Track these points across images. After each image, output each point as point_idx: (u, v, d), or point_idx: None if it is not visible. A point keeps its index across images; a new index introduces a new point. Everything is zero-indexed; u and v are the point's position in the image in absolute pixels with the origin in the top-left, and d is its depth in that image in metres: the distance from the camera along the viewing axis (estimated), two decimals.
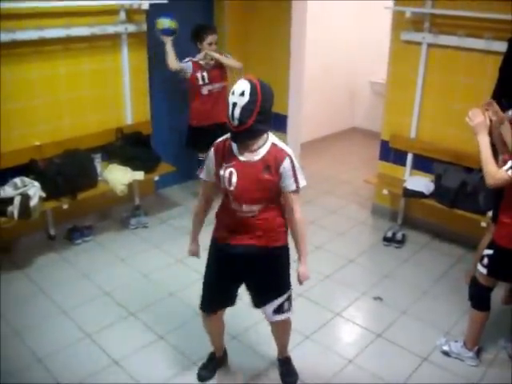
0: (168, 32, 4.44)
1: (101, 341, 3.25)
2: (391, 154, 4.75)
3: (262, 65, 5.42)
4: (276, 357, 3.05)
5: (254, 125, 2.28)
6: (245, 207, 2.47)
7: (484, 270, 2.91)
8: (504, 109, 2.94)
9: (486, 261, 2.90)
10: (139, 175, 4.51)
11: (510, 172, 2.61)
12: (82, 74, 4.35)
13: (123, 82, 4.62)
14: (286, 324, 2.85)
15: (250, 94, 2.25)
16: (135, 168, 4.50)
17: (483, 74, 3.94)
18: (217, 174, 2.50)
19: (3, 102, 3.87)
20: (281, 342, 2.96)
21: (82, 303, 3.61)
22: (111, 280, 3.89)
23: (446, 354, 3.18)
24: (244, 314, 3.33)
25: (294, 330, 2.97)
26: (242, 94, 2.26)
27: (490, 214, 3.64)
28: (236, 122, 2.28)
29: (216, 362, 3.04)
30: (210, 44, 4.47)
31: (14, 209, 3.71)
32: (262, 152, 2.43)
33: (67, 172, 4.06)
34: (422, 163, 4.53)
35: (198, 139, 4.64)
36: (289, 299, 2.71)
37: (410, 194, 4.41)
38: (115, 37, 4.44)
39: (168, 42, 4.44)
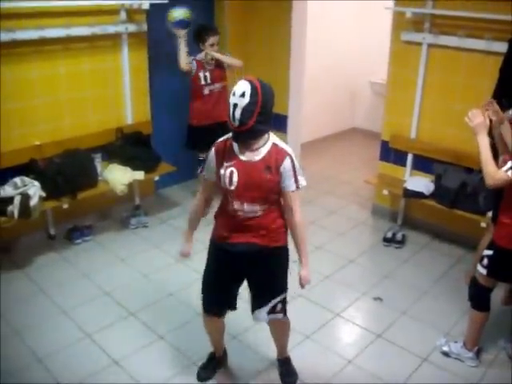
0: (182, 24, 4.24)
1: (101, 341, 3.25)
2: (391, 154, 4.75)
3: (262, 65, 5.42)
4: (276, 357, 3.05)
5: (254, 125, 2.29)
6: (246, 206, 2.47)
7: (484, 271, 2.91)
8: (504, 109, 2.94)
9: (485, 261, 2.90)
10: (139, 175, 4.51)
11: (509, 173, 2.61)
12: (82, 74, 4.35)
13: (123, 82, 4.62)
14: (284, 325, 2.85)
15: (251, 95, 2.25)
16: (135, 168, 4.50)
17: (483, 75, 3.94)
18: (217, 174, 2.50)
19: (3, 102, 3.87)
20: (279, 342, 2.96)
21: (82, 303, 3.61)
22: (111, 280, 3.89)
23: (445, 354, 3.18)
24: (244, 313, 3.32)
25: (293, 330, 2.98)
26: (243, 95, 2.26)
27: (489, 214, 3.63)
28: (237, 123, 2.29)
29: (216, 362, 3.04)
30: (212, 45, 4.47)
31: (14, 208, 3.72)
32: (263, 152, 2.43)
33: (67, 172, 4.06)
34: (422, 163, 4.53)
35: (198, 139, 4.64)
36: (283, 302, 2.71)
37: (410, 195, 4.41)
38: (115, 36, 4.44)
39: (182, 37, 4.33)
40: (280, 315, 2.73)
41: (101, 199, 4.51)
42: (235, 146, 2.45)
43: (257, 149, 2.43)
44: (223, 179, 2.46)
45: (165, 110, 5.11)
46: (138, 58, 4.70)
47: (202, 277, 2.75)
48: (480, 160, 2.75)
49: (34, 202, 3.78)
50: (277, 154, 2.43)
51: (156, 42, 4.76)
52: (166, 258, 4.20)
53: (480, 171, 3.94)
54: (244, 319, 3.33)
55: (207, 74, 4.52)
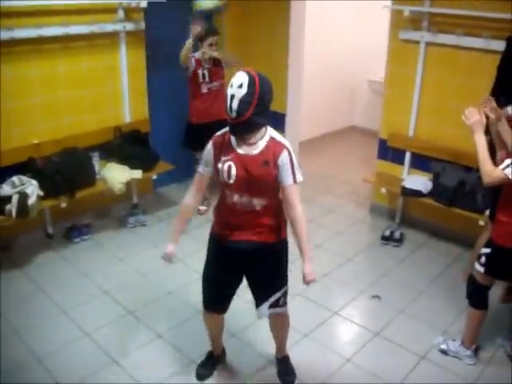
0: (207, 14, 4.18)
1: (99, 340, 3.25)
2: (389, 152, 4.75)
3: (260, 64, 5.40)
4: (274, 355, 3.06)
5: (251, 117, 2.26)
6: (245, 200, 2.46)
7: (481, 269, 2.92)
8: (502, 106, 2.95)
9: (483, 259, 2.90)
10: (137, 174, 4.51)
11: (506, 171, 2.62)
12: (81, 73, 4.35)
13: (121, 81, 4.62)
14: (284, 319, 2.86)
15: (249, 86, 2.23)
16: (133, 166, 4.50)
17: (481, 73, 3.94)
18: (215, 168, 2.49)
19: (1, 101, 3.87)
20: (279, 339, 2.97)
21: (81, 302, 3.61)
22: (110, 279, 3.89)
23: (443, 352, 3.19)
24: (243, 312, 3.33)
25: (291, 328, 2.98)
26: (240, 85, 2.24)
27: (487, 212, 3.64)
28: (234, 114, 2.26)
29: (214, 360, 3.04)
30: (211, 45, 4.46)
31: (12, 207, 3.71)
32: (261, 146, 2.42)
33: (65, 170, 4.06)
34: (420, 162, 4.54)
35: (197, 137, 4.63)
36: (285, 295, 2.72)
37: (408, 193, 4.42)
38: (113, 35, 4.44)
39: (196, 30, 4.31)
40: (281, 309, 2.73)
41: (99, 198, 4.51)
42: (233, 140, 2.44)
43: (254, 143, 2.41)
44: (221, 173, 2.45)
45: (163, 108, 5.11)
46: (136, 57, 4.69)
47: (202, 273, 2.75)
48: (477, 158, 2.76)
49: (32, 200, 3.77)
50: (274, 148, 2.41)
51: (154, 40, 4.76)
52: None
53: (478, 170, 3.97)
54: (243, 317, 3.34)
55: (205, 72, 4.52)
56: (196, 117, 4.68)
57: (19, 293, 3.69)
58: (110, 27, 4.34)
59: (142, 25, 4.58)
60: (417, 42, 4.30)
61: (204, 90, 4.57)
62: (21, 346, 3.18)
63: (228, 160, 2.42)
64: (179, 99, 4.89)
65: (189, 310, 3.50)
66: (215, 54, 4.49)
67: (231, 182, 2.43)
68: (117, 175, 4.37)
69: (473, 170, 4.04)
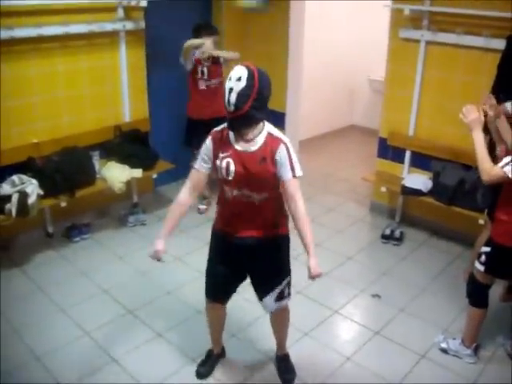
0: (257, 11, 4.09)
1: (99, 339, 3.25)
2: (389, 151, 4.75)
3: (260, 63, 5.32)
4: (274, 354, 3.06)
5: (249, 111, 2.24)
6: (244, 197, 2.46)
7: (481, 268, 2.91)
8: (501, 102, 2.95)
9: (483, 258, 2.90)
10: (137, 173, 4.51)
11: (505, 169, 2.62)
12: (80, 72, 4.34)
13: (121, 80, 4.61)
14: (285, 313, 2.86)
15: (247, 79, 2.22)
16: (133, 165, 4.50)
17: (482, 72, 3.94)
18: (214, 164, 2.48)
19: (1, 100, 3.86)
20: (280, 334, 2.97)
21: (81, 301, 3.61)
22: (109, 278, 3.89)
23: (444, 351, 3.19)
24: (243, 311, 3.33)
25: (292, 326, 2.98)
26: (239, 79, 2.23)
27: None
28: (232, 108, 2.24)
29: (214, 358, 3.04)
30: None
31: (12, 206, 3.71)
32: (259, 142, 2.40)
33: (65, 169, 4.06)
34: (420, 161, 4.54)
35: (196, 133, 4.62)
36: (288, 285, 2.72)
37: (408, 192, 4.42)
38: (113, 34, 4.44)
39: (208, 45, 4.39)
40: (286, 300, 2.74)
41: (99, 197, 4.51)
42: (231, 136, 2.43)
43: (252, 139, 2.40)
44: (220, 170, 2.44)
45: (163, 107, 5.10)
46: (136, 56, 4.69)
47: (206, 265, 2.75)
48: (475, 156, 2.75)
49: (31, 199, 3.77)
50: (272, 143, 2.40)
51: (154, 39, 4.75)
52: (164, 256, 4.18)
53: (477, 168, 3.97)
54: (242, 317, 3.34)
55: (204, 69, 4.52)
56: (194, 112, 4.68)
57: (19, 292, 3.69)
58: (109, 26, 4.34)
59: (142, 24, 4.58)
60: (417, 41, 4.29)
61: (202, 86, 4.57)
62: (20, 344, 3.18)
63: (226, 157, 2.41)
64: (179, 98, 4.88)
65: (188, 309, 3.50)
66: (215, 53, 4.49)
67: (230, 178, 2.43)
68: (117, 174, 4.36)
69: (472, 168, 4.03)
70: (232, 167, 2.40)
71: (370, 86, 7.26)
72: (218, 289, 2.76)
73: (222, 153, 2.42)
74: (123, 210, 4.78)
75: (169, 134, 5.11)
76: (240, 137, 2.40)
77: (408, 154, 4.62)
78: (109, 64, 4.52)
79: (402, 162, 4.67)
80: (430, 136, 4.44)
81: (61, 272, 3.95)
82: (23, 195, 3.74)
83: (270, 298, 2.68)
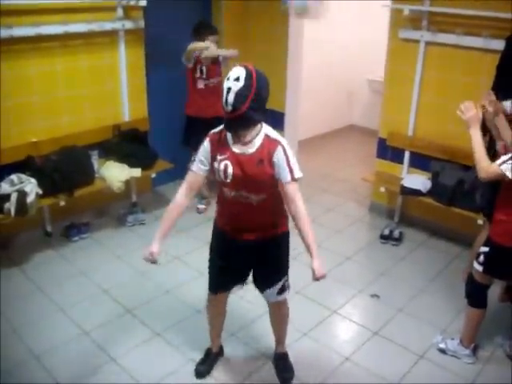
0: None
1: (98, 338, 3.25)
2: (389, 151, 4.75)
3: (259, 63, 5.32)
4: (273, 353, 3.06)
5: (247, 111, 2.23)
6: (242, 198, 2.46)
7: (480, 268, 2.92)
8: (500, 100, 2.96)
9: (481, 258, 2.90)
10: (136, 172, 4.50)
11: (502, 167, 2.62)
12: (80, 71, 4.34)
13: (120, 79, 4.61)
14: (285, 309, 2.88)
15: (246, 79, 2.22)
16: (132, 165, 4.50)
17: (481, 72, 3.94)
18: (212, 166, 2.48)
19: (0, 99, 3.86)
20: (279, 331, 2.98)
21: (80, 300, 3.61)
22: (108, 277, 3.88)
23: (442, 351, 3.19)
24: (242, 311, 3.34)
25: (291, 326, 2.98)
26: (237, 79, 2.22)
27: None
28: (230, 108, 2.23)
29: (213, 357, 3.05)
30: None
31: (11, 205, 3.71)
32: (256, 144, 2.39)
33: (64, 169, 4.05)
34: (420, 161, 4.54)
35: (194, 132, 4.62)
36: (287, 279, 2.75)
37: (407, 192, 4.42)
38: (112, 33, 4.43)
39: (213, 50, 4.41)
40: (287, 292, 2.77)
41: (98, 196, 4.51)
42: (229, 138, 2.42)
43: (250, 141, 2.39)
44: (218, 172, 2.44)
45: (162, 107, 5.10)
46: (135, 55, 4.68)
47: (209, 259, 2.76)
48: (472, 153, 2.75)
49: (30, 199, 3.77)
50: (269, 146, 2.39)
51: (153, 38, 4.75)
52: (163, 256, 4.15)
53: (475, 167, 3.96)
54: (241, 316, 3.35)
55: (203, 68, 4.51)
56: (192, 111, 4.67)
57: (18, 291, 3.68)
58: (108, 25, 4.33)
59: (141, 23, 4.57)
60: (416, 41, 4.29)
61: (200, 85, 4.57)
62: (19, 344, 3.17)
63: (224, 159, 2.41)
64: (178, 98, 4.87)
65: (187, 309, 3.50)
66: (215, 53, 4.48)
67: (228, 181, 2.43)
68: (116, 174, 4.36)
69: (472, 169, 4.03)
70: (230, 170, 2.40)
71: (369, 86, 7.26)
72: (221, 281, 2.77)
73: (220, 155, 2.42)
74: (122, 209, 4.78)
75: (168, 134, 5.10)
76: (237, 139, 2.40)
77: (407, 155, 4.62)
78: (108, 63, 4.51)
79: (401, 162, 4.68)
80: (430, 136, 4.44)
81: (60, 271, 3.94)
82: (22, 194, 3.73)
83: (273, 290, 2.71)
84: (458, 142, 4.15)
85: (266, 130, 2.43)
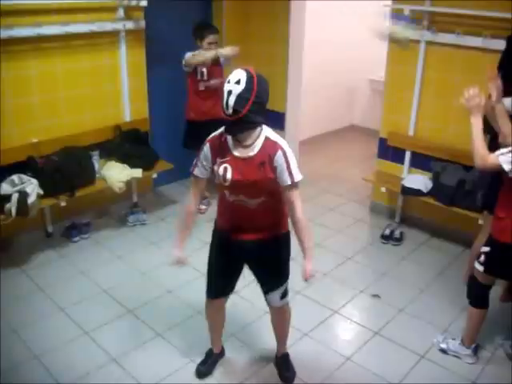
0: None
1: (99, 338, 3.25)
2: (390, 151, 4.75)
3: (260, 62, 5.40)
4: (274, 353, 3.06)
5: (248, 114, 2.23)
6: (242, 201, 2.47)
7: (481, 268, 2.91)
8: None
9: (482, 258, 2.90)
10: (137, 173, 4.51)
11: (500, 158, 2.60)
12: (80, 71, 4.34)
13: (121, 79, 4.61)
14: (287, 313, 2.88)
15: (246, 83, 2.22)
16: (133, 165, 4.50)
17: (481, 72, 3.92)
18: (212, 169, 2.48)
19: (1, 100, 3.86)
20: (280, 334, 2.97)
21: (80, 301, 3.61)
22: (109, 277, 3.88)
23: (443, 351, 3.19)
24: (242, 311, 3.33)
25: (292, 327, 2.98)
26: (238, 82, 2.22)
27: (485, 212, 3.62)
28: (230, 111, 2.23)
29: (214, 358, 3.04)
30: (210, 43, 4.44)
31: (12, 206, 3.71)
32: (257, 147, 2.39)
33: (65, 169, 4.06)
34: (420, 161, 4.54)
35: (195, 135, 4.62)
36: (287, 285, 2.74)
37: (408, 192, 4.42)
38: (113, 34, 4.43)
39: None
40: (288, 297, 2.77)
41: (99, 197, 4.51)
42: (229, 141, 2.42)
43: (250, 144, 2.39)
44: (218, 175, 2.44)
45: (163, 107, 5.11)
46: (136, 56, 4.69)
47: (208, 264, 2.75)
48: (471, 139, 2.74)
49: (31, 199, 3.77)
50: (269, 148, 2.38)
51: (154, 39, 4.75)
52: (163, 256, 4.19)
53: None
54: (242, 316, 3.35)
55: (204, 70, 4.50)
56: (193, 113, 4.67)
57: (18, 291, 3.68)
58: (109, 26, 4.33)
59: (142, 23, 4.57)
60: (417, 41, 4.29)
61: (201, 87, 4.56)
62: (20, 344, 3.18)
63: (224, 162, 2.41)
64: (179, 98, 4.88)
65: (189, 309, 3.50)
66: (214, 54, 4.46)
67: (227, 184, 2.43)
68: (117, 174, 4.36)
69: (473, 169, 4.04)
70: (229, 173, 2.39)
71: (370, 86, 7.26)
72: (219, 286, 2.76)
73: (220, 158, 2.42)
74: (123, 209, 4.78)
75: (169, 134, 5.11)
76: (238, 142, 2.40)
77: (408, 155, 4.62)
78: (109, 64, 4.52)
79: (402, 162, 4.67)
80: (430, 136, 4.44)
81: (60, 272, 3.95)
82: (23, 195, 3.74)
83: (276, 293, 2.70)
84: (459, 142, 4.14)
85: (266, 132, 2.43)
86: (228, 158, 2.41)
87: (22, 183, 3.81)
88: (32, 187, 3.81)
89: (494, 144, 2.99)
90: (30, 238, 4.25)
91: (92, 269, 3.98)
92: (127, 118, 4.75)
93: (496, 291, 3.38)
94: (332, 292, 3.82)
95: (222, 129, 2.43)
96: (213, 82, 4.56)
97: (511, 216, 2.73)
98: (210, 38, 4.44)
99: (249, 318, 3.41)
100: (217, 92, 4.51)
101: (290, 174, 2.38)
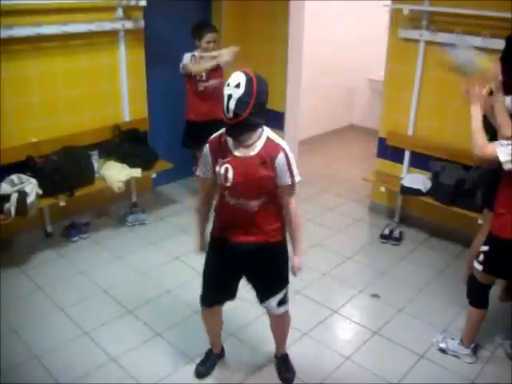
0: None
1: (98, 338, 3.25)
2: (389, 151, 4.75)
3: (259, 62, 5.41)
4: (273, 353, 3.06)
5: (249, 117, 2.25)
6: (243, 202, 2.46)
7: (480, 267, 2.91)
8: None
9: (481, 257, 2.89)
10: (136, 172, 4.50)
11: (497, 148, 2.59)
12: (80, 71, 4.33)
13: (120, 79, 4.61)
14: (286, 318, 2.86)
15: (246, 86, 2.23)
16: (132, 165, 4.50)
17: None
18: (214, 170, 2.49)
19: (0, 99, 3.86)
20: (279, 337, 2.97)
21: (80, 300, 3.61)
22: (108, 277, 3.88)
23: (442, 351, 3.19)
24: (241, 311, 3.33)
25: (291, 326, 2.98)
26: (238, 85, 2.23)
27: (485, 211, 3.63)
28: (231, 115, 2.24)
29: (214, 358, 3.04)
30: (209, 42, 4.43)
31: (11, 206, 3.71)
32: (258, 147, 2.40)
33: (64, 169, 4.05)
34: (420, 161, 4.54)
35: (194, 135, 4.62)
36: (287, 291, 2.73)
37: (407, 192, 4.42)
38: (112, 33, 4.43)
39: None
40: (287, 305, 2.76)
41: (98, 196, 4.51)
42: (229, 142, 2.43)
43: (251, 144, 2.40)
44: (219, 176, 2.45)
45: (162, 107, 5.10)
46: (135, 55, 4.68)
47: (203, 272, 2.74)
48: (471, 129, 2.73)
49: (30, 199, 3.77)
50: (271, 149, 2.40)
51: (153, 39, 4.75)
52: (163, 256, 4.20)
53: (477, 167, 3.96)
54: (241, 316, 3.35)
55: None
56: (193, 114, 4.66)
57: (18, 291, 3.68)
58: (109, 26, 4.32)
59: (142, 23, 4.57)
60: (416, 41, 4.29)
61: (200, 88, 4.55)
62: (19, 344, 3.17)
63: (225, 162, 2.42)
64: (178, 98, 4.87)
65: (188, 309, 3.50)
66: (214, 54, 4.45)
67: (228, 184, 2.43)
68: (116, 174, 4.36)
69: (472, 168, 4.04)
70: (231, 173, 2.40)
71: (369, 85, 7.27)
72: (213, 296, 2.75)
73: (221, 159, 2.43)
74: (122, 209, 4.78)
75: (168, 134, 5.11)
76: (238, 142, 2.41)
77: (407, 154, 4.62)
78: (108, 63, 4.51)
79: (401, 161, 4.67)
80: (430, 136, 4.44)
81: (60, 271, 3.94)
82: (22, 195, 3.74)
83: (273, 301, 2.69)
84: (458, 142, 4.14)
85: (267, 132, 2.45)
86: (229, 159, 2.42)
87: (22, 183, 3.81)
88: (31, 187, 3.81)
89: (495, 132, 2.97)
90: (29, 237, 4.25)
91: (91, 269, 3.98)
92: (126, 118, 4.74)
93: (495, 291, 3.38)
94: (331, 292, 3.82)
95: (222, 130, 2.44)
96: (212, 82, 4.54)
97: (511, 211, 2.73)
98: (208, 36, 4.43)
99: (248, 318, 3.41)
100: (216, 92, 4.50)
101: (291, 175, 2.43)
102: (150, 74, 4.87)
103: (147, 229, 4.63)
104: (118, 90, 4.63)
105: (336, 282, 3.94)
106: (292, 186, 2.46)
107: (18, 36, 3.78)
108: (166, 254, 4.23)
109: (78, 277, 3.89)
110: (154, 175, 4.77)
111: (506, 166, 2.60)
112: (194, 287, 2.83)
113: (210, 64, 4.38)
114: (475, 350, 3.14)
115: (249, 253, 2.56)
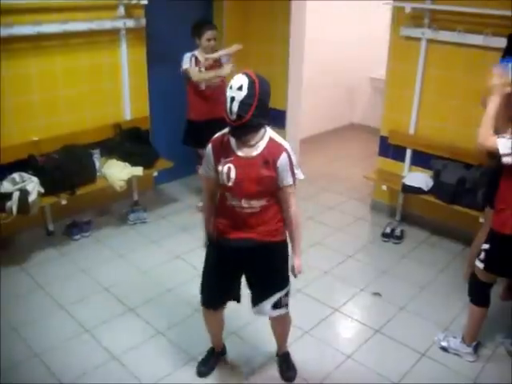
0: None
1: (100, 336, 3.25)
2: (390, 149, 4.75)
3: (260, 61, 5.41)
4: (275, 352, 3.06)
5: (252, 119, 2.27)
6: (244, 202, 2.47)
7: (481, 265, 2.90)
8: None
9: (482, 255, 2.89)
10: (138, 171, 4.51)
11: (498, 140, 2.59)
12: (81, 70, 4.34)
13: (122, 78, 4.61)
14: (286, 319, 2.85)
15: (248, 88, 2.24)
16: (134, 164, 4.50)
17: (482, 70, 3.92)
18: (216, 170, 2.49)
19: (1, 98, 3.86)
20: (280, 337, 2.97)
21: (81, 299, 3.61)
22: (110, 276, 3.89)
23: (444, 349, 3.19)
24: (243, 309, 3.32)
25: (293, 325, 2.98)
26: (240, 88, 2.24)
27: (487, 209, 3.62)
28: (234, 117, 2.26)
29: (215, 357, 3.04)
30: (209, 40, 4.43)
31: (13, 204, 3.71)
32: (261, 147, 2.42)
33: (66, 167, 4.05)
34: (421, 159, 4.53)
35: (196, 134, 4.62)
36: (287, 295, 2.71)
37: (408, 190, 4.42)
38: (114, 32, 4.42)
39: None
40: (284, 310, 2.73)
41: (99, 195, 4.51)
42: (232, 141, 2.44)
43: (254, 144, 2.42)
44: (221, 176, 2.45)
45: (163, 105, 5.10)
46: (137, 54, 4.68)
47: (202, 272, 2.74)
48: (483, 116, 2.70)
49: (32, 197, 3.77)
50: (273, 149, 2.42)
51: (155, 37, 4.75)
52: (164, 254, 4.20)
53: (479, 166, 3.96)
54: (242, 315, 3.34)
55: (203, 69, 4.48)
56: (194, 113, 4.66)
57: (19, 289, 3.69)
58: (110, 24, 4.32)
59: (143, 22, 4.57)
60: (418, 39, 4.28)
61: (202, 86, 4.55)
62: (20, 342, 3.18)
63: (228, 162, 2.43)
64: (180, 96, 4.87)
65: (189, 307, 3.50)
66: (216, 56, 4.45)
67: (231, 184, 2.43)
68: (117, 172, 4.36)
69: (473, 167, 4.04)
70: (233, 173, 2.41)
71: (370, 84, 7.26)
72: (215, 297, 2.75)
73: (224, 158, 2.44)
74: (124, 208, 4.78)
75: (169, 132, 5.10)
76: (242, 143, 2.42)
77: (409, 153, 4.62)
78: (109, 62, 4.51)
79: (402, 160, 4.67)
80: (431, 134, 4.44)
81: (61, 270, 3.95)
82: (24, 193, 3.74)
83: (267, 303, 2.67)
84: (460, 140, 4.14)
85: (270, 133, 2.46)
86: (232, 158, 2.43)
87: (23, 181, 3.81)
88: (33, 185, 3.81)
89: None
90: (30, 236, 4.26)
91: (92, 267, 3.99)
92: (128, 117, 4.74)
93: (496, 289, 3.38)
94: (333, 290, 3.82)
95: (225, 130, 2.45)
96: (213, 80, 4.54)
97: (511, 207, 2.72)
98: (208, 34, 4.42)
99: (250, 316, 3.39)
100: (217, 92, 4.49)
101: (292, 175, 2.46)
102: (151, 72, 4.87)
103: (148, 227, 4.63)
104: (120, 88, 4.63)
105: (337, 280, 3.94)
106: (292, 185, 2.48)
107: (18, 34, 3.78)
108: (167, 252, 4.23)
109: (79, 275, 3.89)
110: (155, 174, 4.77)
111: (505, 159, 2.60)
112: (195, 286, 2.83)
113: (210, 75, 4.39)
114: (476, 349, 3.14)
115: (249, 250, 2.56)
